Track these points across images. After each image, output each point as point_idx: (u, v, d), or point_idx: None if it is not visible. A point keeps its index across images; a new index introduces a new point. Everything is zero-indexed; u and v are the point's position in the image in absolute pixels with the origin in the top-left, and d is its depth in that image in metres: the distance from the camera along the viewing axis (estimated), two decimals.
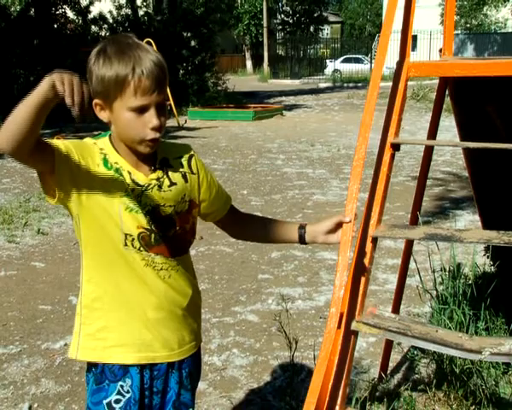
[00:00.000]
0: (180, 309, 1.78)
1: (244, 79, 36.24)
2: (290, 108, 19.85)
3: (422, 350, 3.39)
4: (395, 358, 3.53)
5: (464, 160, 3.47)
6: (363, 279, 2.16)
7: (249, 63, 47.15)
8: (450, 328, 3.15)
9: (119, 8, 20.36)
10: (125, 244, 1.67)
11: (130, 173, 1.67)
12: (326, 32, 60.27)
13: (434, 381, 3.11)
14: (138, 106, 1.60)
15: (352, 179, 2.07)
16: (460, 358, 2.90)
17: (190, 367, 1.84)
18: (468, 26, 41.74)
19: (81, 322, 1.77)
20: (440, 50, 3.19)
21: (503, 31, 41.36)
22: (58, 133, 11.71)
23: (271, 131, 14.50)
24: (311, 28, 50.66)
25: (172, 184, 1.72)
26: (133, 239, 1.68)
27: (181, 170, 1.75)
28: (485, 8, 40.07)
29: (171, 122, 11.71)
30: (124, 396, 1.72)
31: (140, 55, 1.59)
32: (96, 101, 1.62)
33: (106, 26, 20.09)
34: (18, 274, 5.12)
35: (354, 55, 41.59)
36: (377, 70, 2.35)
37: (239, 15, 47.61)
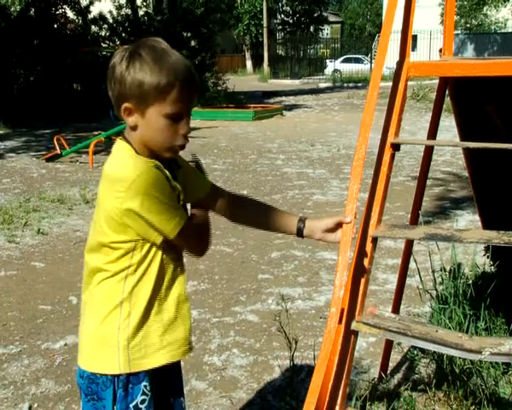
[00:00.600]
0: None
1: (244, 79, 36.24)
2: (290, 108, 19.85)
3: (422, 350, 3.39)
4: (395, 358, 3.53)
5: (464, 160, 3.47)
6: (363, 279, 2.16)
7: (249, 63, 47.16)
8: (450, 328, 3.15)
9: (119, 8, 20.35)
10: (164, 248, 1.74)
11: (169, 180, 1.72)
12: (326, 32, 60.28)
13: (434, 381, 3.11)
14: (176, 113, 1.63)
15: (351, 179, 2.07)
16: (460, 358, 2.90)
17: None
18: (468, 26, 41.74)
19: (126, 337, 1.72)
20: (440, 50, 3.19)
21: (503, 31, 41.35)
22: (58, 133, 11.73)
23: (271, 131, 14.50)
24: (311, 28, 50.68)
25: (179, 182, 1.78)
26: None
27: (178, 168, 1.82)
28: (485, 8, 40.07)
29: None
30: (147, 395, 1.75)
31: (178, 62, 1.63)
32: (126, 105, 1.63)
33: (106, 26, 20.09)
34: (18, 274, 5.12)
35: (354, 55, 41.60)
36: (377, 70, 2.35)
37: (239, 15, 47.61)
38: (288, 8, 50.57)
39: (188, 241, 1.75)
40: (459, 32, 39.84)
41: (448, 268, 3.71)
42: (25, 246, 5.84)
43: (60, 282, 4.92)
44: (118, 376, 1.71)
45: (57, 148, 10.15)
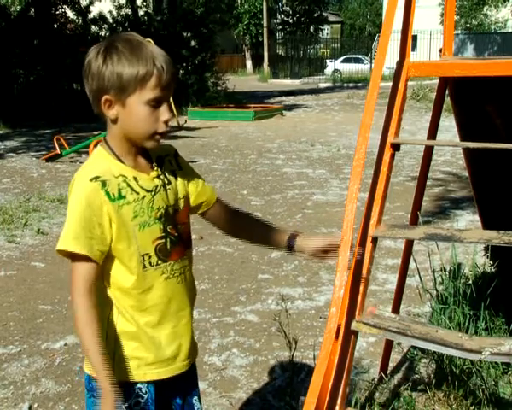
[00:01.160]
0: (191, 304, 1.84)
1: (244, 79, 36.23)
2: (290, 108, 19.85)
3: (422, 350, 3.39)
4: (395, 358, 3.53)
5: (464, 160, 3.47)
6: (362, 279, 2.16)
7: (249, 63, 47.15)
8: (450, 328, 3.15)
9: (119, 8, 20.34)
10: (144, 266, 1.69)
11: (136, 179, 1.69)
12: (326, 32, 60.26)
13: (434, 381, 3.11)
14: (156, 98, 1.64)
15: (351, 179, 2.07)
16: (460, 358, 2.90)
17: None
18: (468, 26, 41.74)
19: (113, 347, 1.71)
20: (440, 50, 3.19)
21: (503, 31, 41.35)
22: (58, 133, 11.72)
23: (271, 131, 14.50)
24: (311, 28, 50.65)
25: (169, 182, 1.76)
26: (150, 257, 1.70)
27: (171, 168, 1.80)
28: (485, 8, 40.08)
29: (170, 122, 11.67)
30: (142, 398, 1.74)
31: (154, 51, 1.65)
32: (106, 97, 1.63)
33: (106, 26, 20.07)
34: (18, 274, 5.12)
35: (354, 55, 41.58)
36: (377, 70, 2.35)
37: (239, 15, 47.60)
38: (288, 8, 50.55)
39: (71, 279, 1.66)
40: (459, 32, 39.84)
41: (448, 268, 3.71)
42: (25, 246, 5.84)
43: (60, 282, 4.92)
44: None
45: (57, 148, 10.14)
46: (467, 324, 3.21)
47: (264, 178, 9.14)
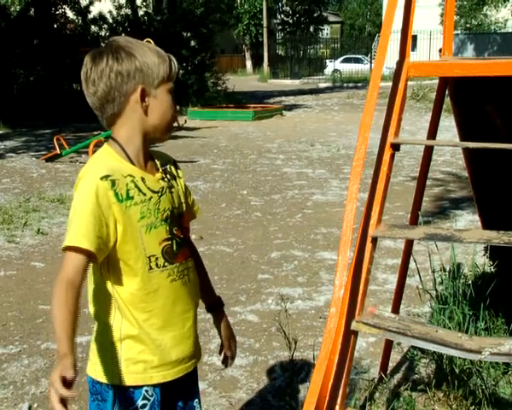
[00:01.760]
0: (195, 306, 1.84)
1: (244, 79, 36.24)
2: (290, 108, 19.85)
3: (422, 350, 3.39)
4: (395, 358, 3.53)
5: (464, 160, 3.47)
6: (363, 279, 2.16)
7: (249, 63, 47.14)
8: (449, 328, 3.15)
9: (119, 8, 20.34)
10: (150, 268, 1.69)
11: (143, 180, 1.68)
12: (326, 32, 60.25)
13: (434, 381, 3.11)
14: (173, 87, 1.72)
15: (351, 179, 2.07)
16: (460, 358, 2.90)
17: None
18: (468, 26, 41.73)
19: (118, 350, 1.71)
20: (440, 50, 3.19)
21: (502, 31, 41.34)
22: (58, 133, 11.73)
23: (271, 131, 14.50)
24: (311, 28, 50.65)
25: (173, 185, 1.78)
26: (157, 258, 1.69)
27: (173, 173, 1.82)
28: (485, 8, 40.06)
29: None
30: (149, 400, 1.73)
31: (153, 45, 1.73)
32: (141, 88, 1.65)
33: (106, 26, 20.08)
34: (18, 274, 5.12)
35: (354, 55, 41.58)
36: (377, 70, 2.35)
37: (239, 15, 47.59)
38: (288, 8, 50.53)
39: (63, 265, 1.59)
40: (459, 32, 39.83)
41: (448, 268, 3.71)
42: (24, 246, 5.84)
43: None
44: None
45: (57, 148, 10.14)
46: (467, 324, 3.21)
47: (263, 178, 9.14)
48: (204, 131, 14.45)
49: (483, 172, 3.33)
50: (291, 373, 3.21)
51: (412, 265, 3.40)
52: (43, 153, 11.03)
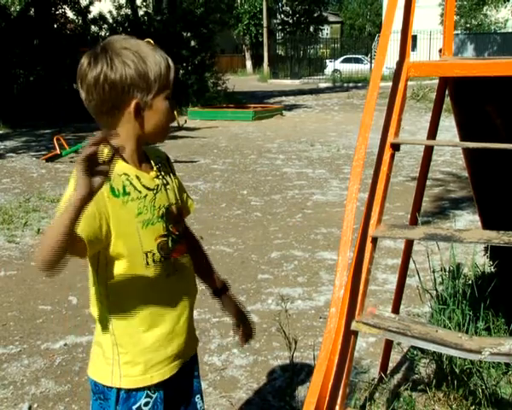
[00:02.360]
0: (191, 301, 1.84)
1: (244, 79, 36.24)
2: (290, 108, 19.85)
3: (422, 350, 3.39)
4: (395, 358, 3.53)
5: (464, 160, 3.47)
6: (363, 279, 2.16)
7: (249, 63, 47.15)
8: (449, 328, 3.15)
9: (119, 8, 20.34)
10: (147, 263, 1.69)
11: (138, 178, 1.68)
12: (326, 32, 60.26)
13: (434, 381, 3.11)
14: (171, 92, 1.70)
15: (351, 179, 2.07)
16: (460, 358, 2.90)
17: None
18: (468, 26, 41.74)
19: (118, 352, 1.70)
20: (440, 50, 3.19)
21: (503, 31, 41.35)
22: (58, 133, 11.73)
23: (271, 131, 14.50)
24: (311, 28, 50.67)
25: (168, 182, 1.78)
26: (153, 254, 1.69)
27: (167, 170, 1.82)
28: (485, 8, 40.08)
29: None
30: (151, 397, 1.74)
31: (152, 48, 1.70)
32: (135, 102, 1.62)
33: (106, 26, 20.08)
34: (18, 274, 5.12)
35: (354, 55, 41.59)
36: (377, 70, 2.35)
37: (239, 15, 47.61)
38: (288, 8, 50.55)
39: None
40: (459, 32, 39.84)
41: (448, 268, 3.71)
42: (25, 246, 5.84)
43: (60, 282, 4.91)
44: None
45: (57, 148, 10.14)
46: (467, 324, 3.21)
47: (264, 178, 9.14)
48: (204, 131, 14.45)
49: (483, 172, 3.33)
50: (291, 373, 3.21)
51: (412, 265, 3.40)
52: (43, 153, 11.03)
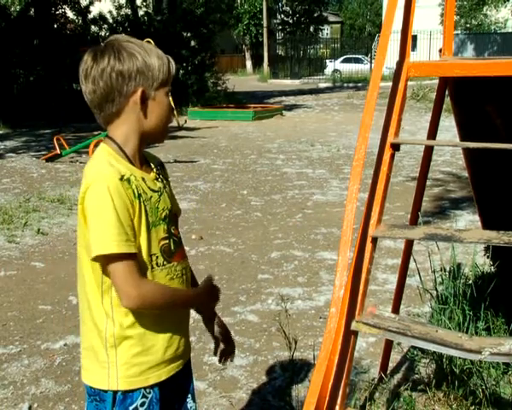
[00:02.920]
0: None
1: (244, 79, 36.24)
2: (290, 108, 19.85)
3: (422, 350, 3.39)
4: (395, 358, 3.53)
5: (464, 160, 3.47)
6: (363, 279, 2.16)
7: (249, 63, 47.14)
8: (449, 328, 3.15)
9: (119, 8, 20.34)
10: (152, 267, 1.69)
11: (144, 180, 1.69)
12: (326, 32, 60.23)
13: (434, 381, 3.11)
14: (170, 90, 1.73)
15: (351, 179, 2.07)
16: (460, 358, 2.90)
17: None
18: (468, 26, 41.73)
19: (115, 354, 1.70)
20: (440, 50, 3.19)
21: (503, 31, 41.34)
22: (58, 133, 11.73)
23: (271, 131, 14.50)
24: (311, 28, 50.63)
25: (165, 186, 1.79)
26: (157, 257, 1.70)
27: (163, 173, 1.83)
28: (485, 9, 40.06)
29: (171, 122, 11.69)
30: (147, 397, 1.74)
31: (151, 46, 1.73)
32: (141, 90, 1.65)
33: (106, 26, 20.08)
34: (18, 274, 5.12)
35: (354, 55, 41.56)
36: (377, 70, 2.35)
37: (239, 15, 47.59)
38: (288, 8, 50.52)
39: (116, 277, 1.60)
40: (459, 32, 39.83)
41: (448, 268, 3.71)
42: (25, 246, 5.84)
43: (60, 282, 4.92)
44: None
45: (57, 148, 10.14)
46: (467, 324, 3.21)
47: (264, 178, 9.14)
48: (204, 131, 14.45)
49: (483, 172, 3.33)
50: (291, 373, 3.21)
51: (412, 265, 3.40)
52: (43, 153, 11.03)
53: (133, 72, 1.63)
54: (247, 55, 47.90)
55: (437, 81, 2.99)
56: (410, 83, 2.88)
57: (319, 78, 36.02)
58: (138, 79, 1.64)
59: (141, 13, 20.81)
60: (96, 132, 11.80)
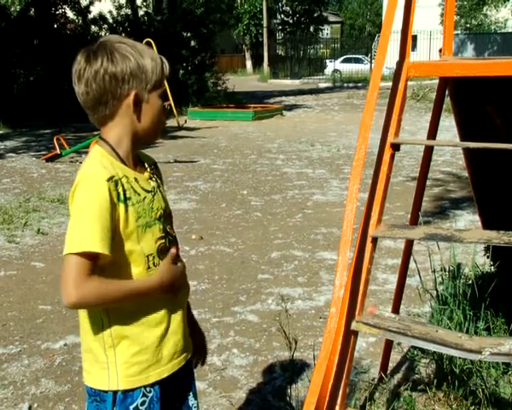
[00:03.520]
0: (185, 302, 1.86)
1: (244, 79, 36.24)
2: (290, 108, 19.85)
3: (422, 350, 3.39)
4: (395, 358, 3.53)
5: (464, 160, 3.47)
6: (363, 279, 2.16)
7: (249, 63, 47.14)
8: (450, 328, 3.15)
9: (119, 8, 20.33)
10: (148, 267, 1.69)
11: (137, 181, 1.69)
12: (326, 32, 60.22)
13: (434, 381, 3.11)
14: (164, 90, 1.73)
15: (351, 179, 2.07)
16: (460, 358, 2.90)
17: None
18: (468, 26, 41.72)
19: (114, 354, 1.70)
20: (440, 50, 3.19)
21: (503, 31, 41.34)
22: (58, 133, 11.73)
23: (271, 131, 14.50)
24: (311, 28, 50.63)
25: (160, 185, 1.80)
26: (154, 257, 1.70)
27: (157, 173, 1.83)
28: (485, 8, 40.05)
29: (170, 122, 11.70)
30: (147, 396, 1.74)
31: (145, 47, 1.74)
32: (134, 92, 1.65)
33: (106, 26, 20.08)
34: (18, 274, 5.12)
35: (354, 55, 41.57)
36: (377, 70, 2.35)
37: (239, 15, 47.59)
38: (288, 8, 50.51)
39: (65, 274, 1.60)
40: (459, 32, 39.83)
41: (448, 268, 3.71)
42: (25, 246, 5.84)
43: (60, 282, 4.91)
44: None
45: (57, 148, 10.14)
46: (467, 324, 3.21)
47: (264, 178, 9.14)
48: (204, 131, 14.45)
49: (483, 172, 3.33)
50: (291, 373, 3.21)
51: (412, 265, 3.40)
52: (43, 153, 11.03)
53: (126, 74, 1.63)
54: (247, 55, 47.90)
55: (437, 81, 2.99)
56: (410, 83, 2.88)
57: (319, 78, 36.02)
58: (131, 81, 1.64)
59: (141, 13, 20.81)
60: (96, 132, 11.79)
